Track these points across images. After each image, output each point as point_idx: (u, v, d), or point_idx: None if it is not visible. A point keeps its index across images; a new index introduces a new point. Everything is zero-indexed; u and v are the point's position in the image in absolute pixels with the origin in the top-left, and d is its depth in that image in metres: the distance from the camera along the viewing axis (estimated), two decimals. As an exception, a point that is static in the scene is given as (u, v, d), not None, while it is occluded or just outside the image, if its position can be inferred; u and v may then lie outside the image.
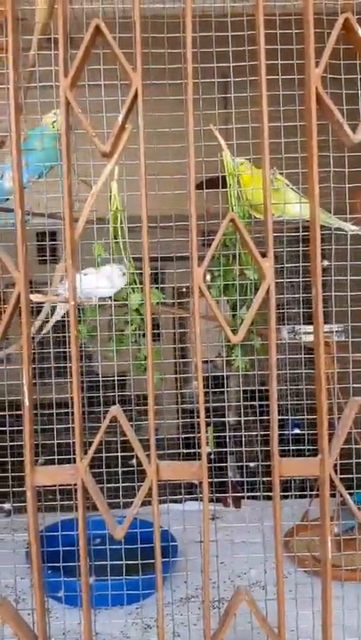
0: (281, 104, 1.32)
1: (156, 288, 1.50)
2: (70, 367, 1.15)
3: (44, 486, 1.21)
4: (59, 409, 1.92)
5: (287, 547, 2.23)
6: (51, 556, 1.82)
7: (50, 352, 1.82)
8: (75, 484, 1.18)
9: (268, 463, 1.18)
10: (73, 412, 1.18)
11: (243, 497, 2.66)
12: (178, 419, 3.01)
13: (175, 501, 1.97)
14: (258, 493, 2.45)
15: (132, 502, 1.19)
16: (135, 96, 1.15)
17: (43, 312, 1.61)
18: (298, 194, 1.51)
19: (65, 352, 1.84)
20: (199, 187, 1.25)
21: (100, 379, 1.87)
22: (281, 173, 1.43)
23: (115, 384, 1.91)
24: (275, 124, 1.15)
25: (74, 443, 1.18)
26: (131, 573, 1.87)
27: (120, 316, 1.49)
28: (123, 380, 2.14)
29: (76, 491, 1.18)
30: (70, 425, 1.19)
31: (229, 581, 2.02)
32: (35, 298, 1.26)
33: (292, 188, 1.50)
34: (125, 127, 1.16)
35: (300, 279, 1.37)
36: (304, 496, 2.33)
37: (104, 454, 1.54)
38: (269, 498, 1.16)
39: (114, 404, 1.25)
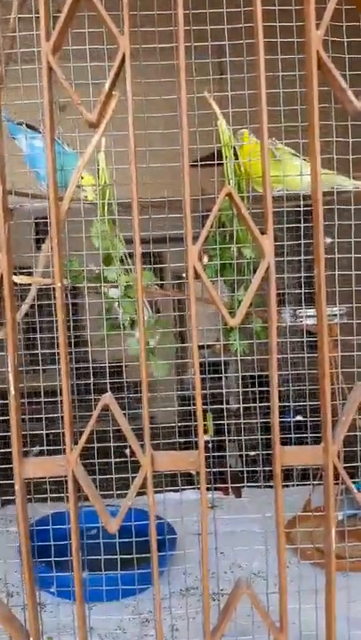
0: (280, 69, 1.25)
1: (149, 269, 1.44)
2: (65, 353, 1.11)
3: (34, 478, 1.17)
4: (55, 397, 1.87)
5: (289, 537, 2.20)
6: (44, 550, 1.79)
7: (48, 338, 1.79)
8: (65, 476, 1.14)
9: (269, 452, 1.15)
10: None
11: (243, 485, 2.63)
12: (177, 406, 2.97)
13: (174, 490, 1.94)
14: (259, 484, 2.43)
15: (126, 492, 1.15)
16: (123, 60, 1.09)
17: (29, 296, 1.56)
18: (302, 160, 1.44)
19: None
20: (193, 165, 1.19)
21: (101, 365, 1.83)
22: (280, 143, 1.37)
23: (112, 371, 1.87)
24: (274, 90, 1.09)
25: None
26: (128, 566, 1.85)
27: (108, 300, 1.44)
28: (119, 366, 2.10)
29: (67, 482, 1.14)
30: (59, 414, 1.15)
31: (230, 572, 2.00)
32: (19, 280, 1.21)
33: (297, 156, 1.43)
34: (113, 94, 1.10)
35: (302, 257, 1.31)
36: (306, 483, 2.30)
37: (95, 444, 1.50)
38: (270, 486, 1.13)
39: (111, 391, 1.21)
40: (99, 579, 1.81)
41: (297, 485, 2.18)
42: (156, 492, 1.17)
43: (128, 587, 1.83)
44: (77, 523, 1.16)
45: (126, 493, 1.15)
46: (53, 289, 1.85)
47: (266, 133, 1.08)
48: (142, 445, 1.13)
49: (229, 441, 2.27)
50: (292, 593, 1.49)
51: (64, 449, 1.24)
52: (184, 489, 1.94)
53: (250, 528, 1.88)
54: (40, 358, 1.95)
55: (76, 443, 1.15)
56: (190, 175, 1.06)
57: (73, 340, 2.02)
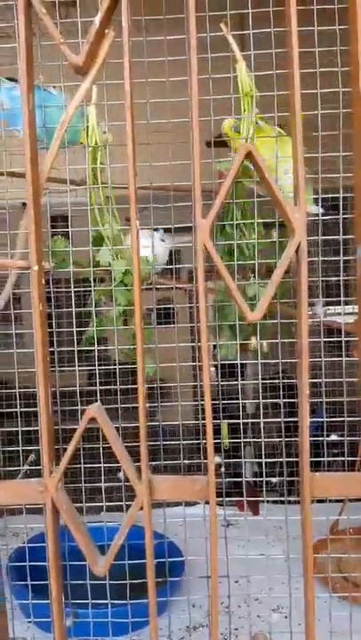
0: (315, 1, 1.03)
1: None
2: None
3: (3, 506, 0.97)
4: (74, 397, 1.68)
5: (316, 565, 1.97)
6: (38, 573, 1.59)
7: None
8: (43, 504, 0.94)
9: (296, 478, 0.94)
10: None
11: (261, 500, 2.40)
12: (193, 417, 2.73)
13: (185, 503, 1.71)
14: (280, 497, 2.20)
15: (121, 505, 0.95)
16: (118, -12, 0.88)
17: (9, 282, 1.35)
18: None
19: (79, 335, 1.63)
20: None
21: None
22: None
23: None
24: (307, 27, 0.87)
25: (58, 449, 0.94)
26: (136, 592, 1.63)
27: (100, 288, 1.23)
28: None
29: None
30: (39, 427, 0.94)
31: (245, 605, 1.78)
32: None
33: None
34: (106, 33, 0.89)
35: (341, 237, 1.08)
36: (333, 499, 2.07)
37: (82, 465, 1.29)
38: (296, 502, 0.93)
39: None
40: (96, 613, 1.60)
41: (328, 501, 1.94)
42: (155, 507, 0.96)
43: (121, 623, 1.61)
44: (58, 560, 0.96)
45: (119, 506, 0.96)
46: (78, 278, 1.66)
47: (297, 72, 0.86)
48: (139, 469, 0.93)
49: (245, 448, 2.05)
50: (321, 633, 1.27)
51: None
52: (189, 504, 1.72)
53: (269, 552, 1.66)
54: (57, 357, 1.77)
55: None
56: (203, 157, 0.85)
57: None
